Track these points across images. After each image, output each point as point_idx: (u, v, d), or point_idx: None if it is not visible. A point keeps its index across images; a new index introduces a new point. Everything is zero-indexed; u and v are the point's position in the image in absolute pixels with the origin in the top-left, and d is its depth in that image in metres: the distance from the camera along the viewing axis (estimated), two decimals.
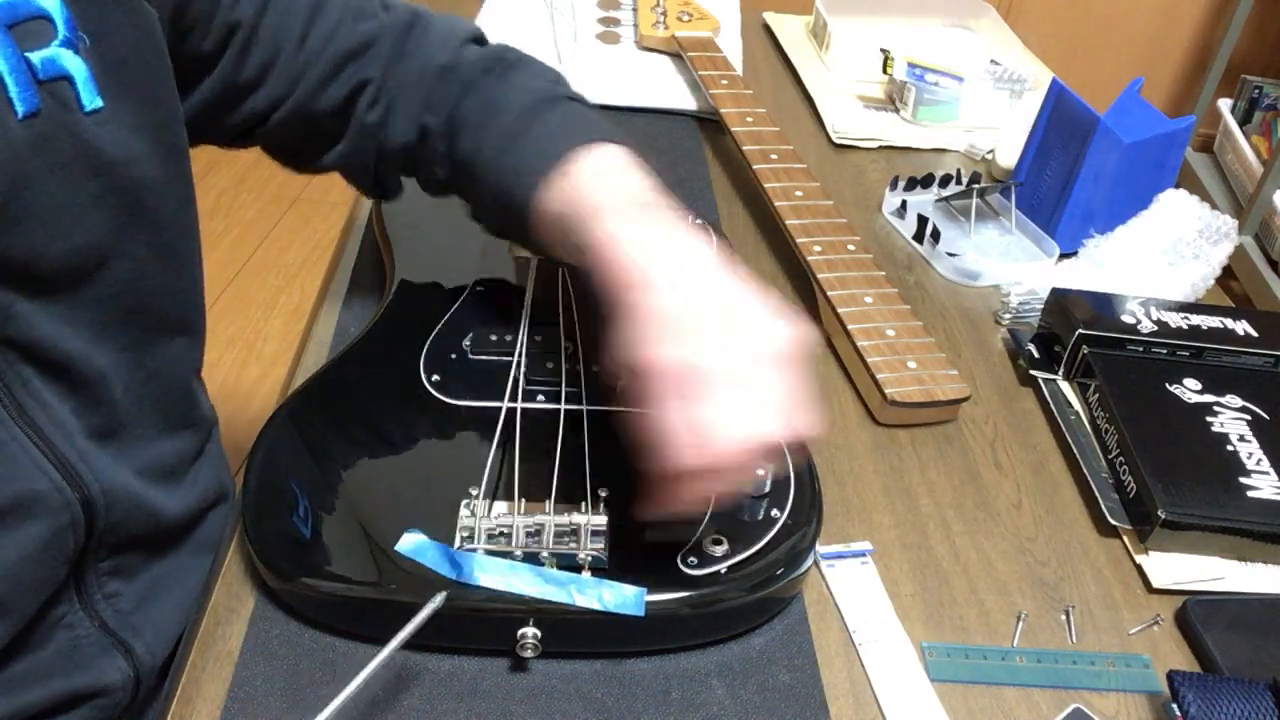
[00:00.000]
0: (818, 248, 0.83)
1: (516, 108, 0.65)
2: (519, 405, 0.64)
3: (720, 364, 0.51)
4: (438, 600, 0.51)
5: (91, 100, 0.51)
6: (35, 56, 0.49)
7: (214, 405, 0.71)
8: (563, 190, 0.61)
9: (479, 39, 0.71)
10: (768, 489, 0.59)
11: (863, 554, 0.63)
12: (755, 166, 0.92)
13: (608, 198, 0.59)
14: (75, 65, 0.50)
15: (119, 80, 0.53)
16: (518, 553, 0.54)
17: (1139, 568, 0.65)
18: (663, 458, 0.50)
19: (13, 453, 0.53)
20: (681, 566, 0.55)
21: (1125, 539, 0.67)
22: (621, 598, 0.53)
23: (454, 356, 0.67)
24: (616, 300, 0.55)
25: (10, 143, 0.48)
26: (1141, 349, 0.77)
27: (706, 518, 0.58)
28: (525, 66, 0.70)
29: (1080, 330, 0.76)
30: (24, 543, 0.53)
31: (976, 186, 0.95)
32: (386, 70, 0.67)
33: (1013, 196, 0.95)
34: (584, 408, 0.64)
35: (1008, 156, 1.01)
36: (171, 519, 0.63)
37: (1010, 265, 0.90)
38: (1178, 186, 0.94)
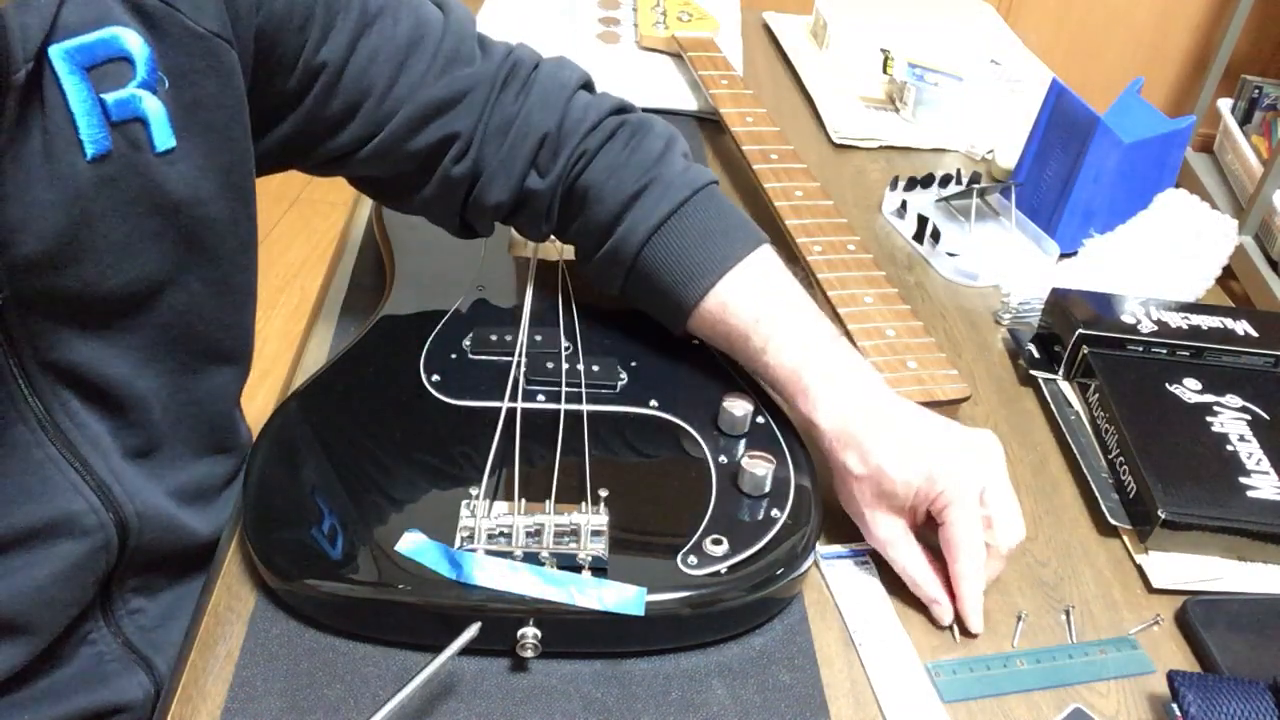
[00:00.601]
0: (818, 248, 0.83)
1: (663, 198, 0.66)
2: (519, 405, 0.64)
3: (972, 474, 0.58)
4: (471, 631, 0.51)
5: (165, 140, 0.51)
6: (110, 98, 0.49)
7: None
8: (728, 305, 0.65)
9: (587, 85, 0.69)
10: (768, 489, 0.59)
11: (863, 554, 0.63)
12: (755, 166, 0.92)
13: (779, 324, 0.64)
14: (153, 106, 0.50)
15: (194, 120, 0.53)
16: (518, 553, 0.54)
17: (1139, 568, 0.65)
18: (964, 560, 0.58)
19: (49, 474, 0.53)
20: (681, 566, 0.55)
21: (1125, 539, 0.66)
22: (621, 597, 0.53)
23: (454, 356, 0.67)
24: (833, 460, 0.62)
25: (77, 183, 0.48)
26: (1141, 349, 0.77)
27: (707, 517, 0.58)
28: (645, 131, 0.68)
29: (1080, 330, 0.76)
30: (57, 562, 0.54)
31: (976, 186, 0.95)
32: (478, 125, 0.65)
33: (1013, 196, 0.95)
34: (584, 408, 0.64)
35: (1008, 156, 1.01)
36: (201, 540, 0.63)
37: (1010, 265, 0.90)
38: (1178, 186, 0.94)
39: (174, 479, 0.60)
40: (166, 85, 0.51)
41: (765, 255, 0.67)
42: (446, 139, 0.65)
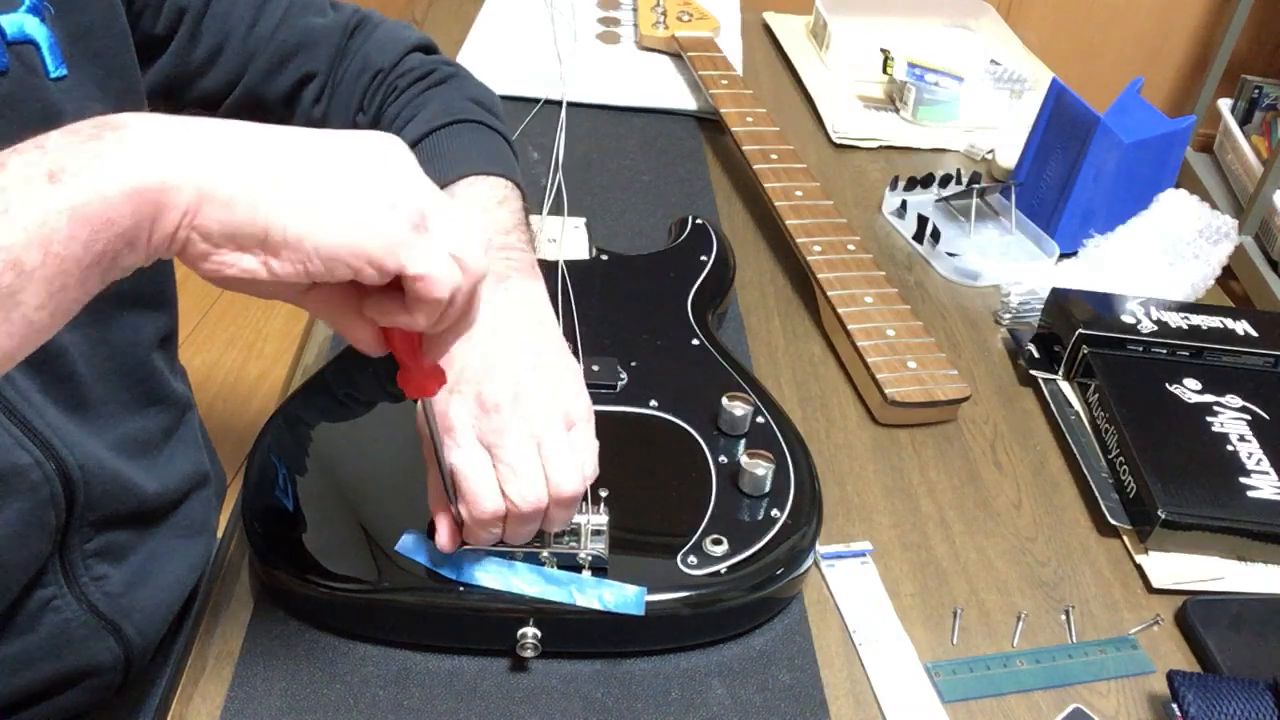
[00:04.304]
0: (818, 248, 0.83)
1: (429, 117, 0.68)
2: None
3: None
4: None
5: (56, 68, 0.53)
6: (4, 20, 0.50)
7: (213, 403, 0.71)
8: None
9: (425, 48, 0.74)
10: (768, 489, 0.59)
11: (863, 554, 0.63)
12: (755, 166, 0.92)
13: None
14: (39, 32, 0.52)
15: (82, 50, 0.54)
16: (518, 553, 0.54)
17: (1139, 568, 0.65)
18: None
19: None
20: (681, 566, 0.55)
21: (1125, 539, 0.66)
22: (621, 597, 0.53)
23: None
24: None
25: None
26: (1141, 349, 0.77)
27: (707, 517, 0.58)
28: (459, 83, 0.72)
29: (1080, 330, 0.76)
30: (6, 519, 0.54)
31: (976, 186, 0.95)
32: (332, 67, 0.70)
33: (1013, 196, 0.95)
34: None
35: (1008, 156, 1.01)
36: (151, 497, 0.63)
37: (1010, 265, 0.90)
38: (1178, 186, 0.94)
39: (110, 432, 0.60)
40: (53, 13, 0.52)
41: (496, 184, 0.65)
42: (304, 79, 0.69)
